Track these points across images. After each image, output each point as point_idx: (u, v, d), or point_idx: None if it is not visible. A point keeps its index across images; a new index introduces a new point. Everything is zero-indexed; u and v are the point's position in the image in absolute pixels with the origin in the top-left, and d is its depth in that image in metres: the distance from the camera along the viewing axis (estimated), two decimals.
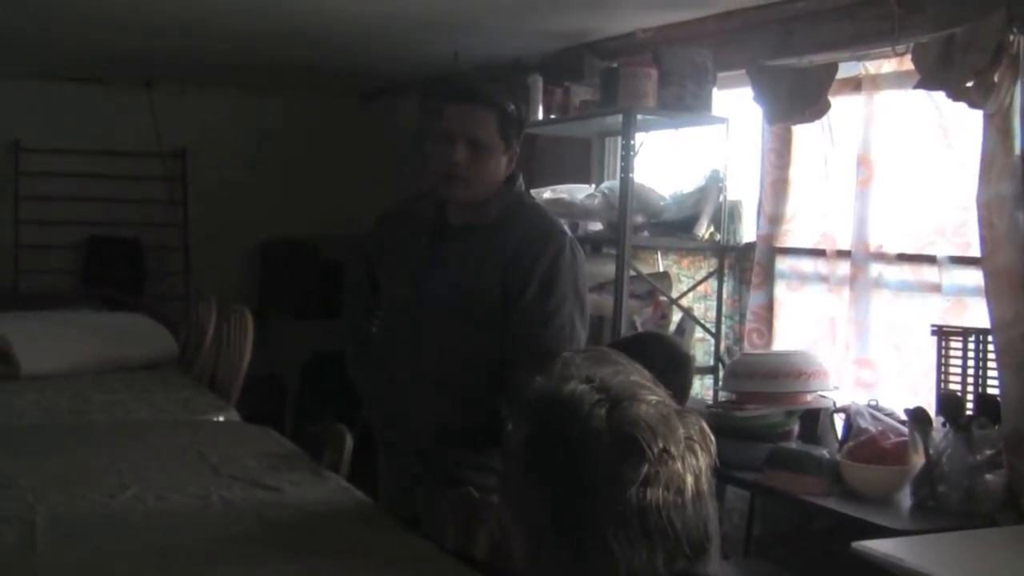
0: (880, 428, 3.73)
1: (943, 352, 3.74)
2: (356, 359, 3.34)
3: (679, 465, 1.38)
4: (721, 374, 4.66)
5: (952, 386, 3.71)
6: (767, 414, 3.96)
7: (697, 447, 1.41)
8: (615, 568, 1.36)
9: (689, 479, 1.39)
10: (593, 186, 5.36)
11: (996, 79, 3.49)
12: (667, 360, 2.77)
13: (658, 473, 1.36)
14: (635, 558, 1.36)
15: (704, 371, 4.92)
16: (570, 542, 1.39)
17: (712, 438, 1.44)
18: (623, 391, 1.41)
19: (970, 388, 3.67)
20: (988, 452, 3.34)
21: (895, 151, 4.23)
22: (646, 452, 1.36)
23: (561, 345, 2.87)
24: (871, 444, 3.63)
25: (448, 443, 3.03)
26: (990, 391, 3.61)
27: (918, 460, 3.48)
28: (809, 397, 4.04)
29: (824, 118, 4.35)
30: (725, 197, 4.82)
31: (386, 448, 3.29)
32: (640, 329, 4.81)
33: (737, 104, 4.88)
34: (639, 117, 4.71)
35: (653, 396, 1.42)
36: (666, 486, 1.37)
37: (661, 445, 1.37)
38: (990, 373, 3.63)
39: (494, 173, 3.00)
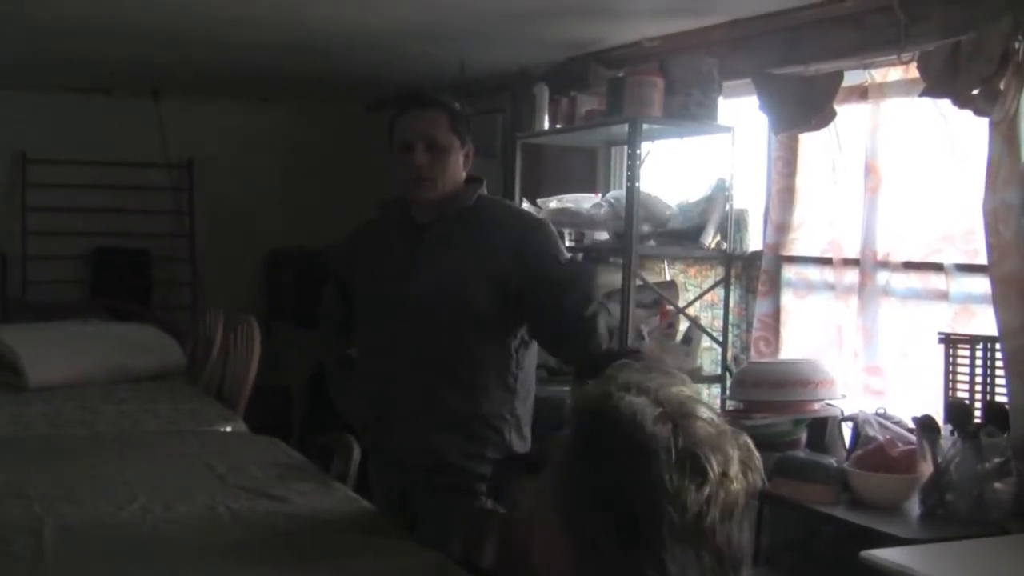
0: (888, 436, 3.72)
1: (951, 360, 3.74)
2: (338, 382, 3.40)
3: (734, 487, 1.40)
4: (728, 383, 4.65)
5: (960, 394, 3.70)
6: (775, 423, 3.96)
7: (748, 470, 1.43)
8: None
9: (740, 502, 1.41)
10: (599, 195, 5.35)
11: (1002, 87, 3.49)
12: None
13: (717, 495, 1.38)
14: (683, 573, 1.37)
15: (711, 380, 4.91)
16: (622, 553, 1.39)
17: (759, 459, 1.45)
18: (680, 407, 1.42)
19: (978, 396, 3.66)
20: (997, 460, 3.33)
21: (902, 159, 4.23)
22: (709, 474, 1.37)
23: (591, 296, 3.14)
24: (879, 452, 3.62)
25: (443, 433, 3.07)
26: (998, 399, 3.61)
27: (926, 468, 3.47)
28: (817, 406, 4.03)
29: (830, 126, 4.34)
30: (731, 206, 4.81)
31: (379, 457, 3.33)
32: (647, 339, 4.80)
33: (743, 113, 4.88)
34: (645, 126, 4.71)
35: (707, 411, 1.44)
36: (722, 508, 1.38)
37: (721, 469, 1.38)
38: (998, 381, 3.62)
39: (455, 170, 3.15)
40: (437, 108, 3.13)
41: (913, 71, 3.94)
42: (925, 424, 3.53)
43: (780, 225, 4.67)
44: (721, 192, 4.82)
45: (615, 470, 1.40)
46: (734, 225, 4.82)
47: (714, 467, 1.38)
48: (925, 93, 3.76)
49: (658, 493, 1.37)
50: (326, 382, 3.51)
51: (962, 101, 3.62)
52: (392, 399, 3.15)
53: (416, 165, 3.07)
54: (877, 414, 3.89)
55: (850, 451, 3.86)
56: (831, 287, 4.48)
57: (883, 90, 4.26)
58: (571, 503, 1.44)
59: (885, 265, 4.21)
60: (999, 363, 3.60)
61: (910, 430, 3.71)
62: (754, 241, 4.88)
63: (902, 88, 4.17)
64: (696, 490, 1.37)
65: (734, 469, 1.40)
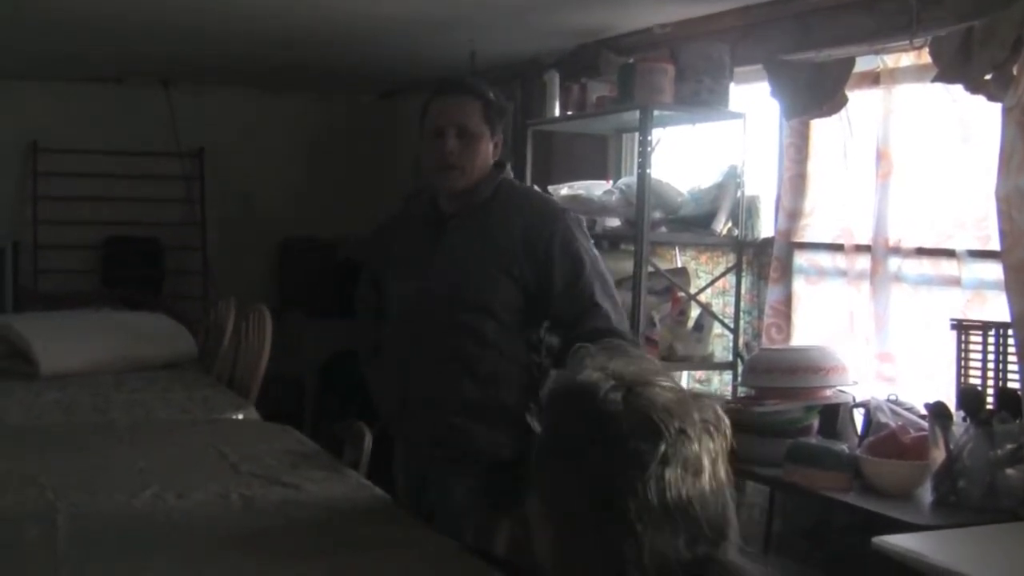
0: (900, 423, 3.72)
1: (963, 346, 3.73)
2: (370, 365, 3.40)
3: (696, 446, 1.41)
4: (740, 370, 4.65)
5: (972, 380, 3.70)
6: (786, 409, 3.95)
7: (713, 429, 1.44)
8: (639, 548, 1.38)
9: (706, 461, 1.42)
10: (610, 182, 5.34)
11: (1015, 72, 3.48)
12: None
13: (676, 452, 1.39)
14: (658, 538, 1.39)
15: (723, 367, 4.91)
16: (596, 525, 1.41)
17: (727, 422, 1.47)
18: (637, 378, 1.45)
19: (990, 382, 3.66)
20: (1009, 446, 3.32)
21: (914, 145, 4.22)
22: (663, 432, 1.39)
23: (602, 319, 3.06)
24: (891, 439, 3.61)
25: (466, 423, 3.07)
26: (1011, 385, 3.60)
27: (938, 455, 3.46)
28: (828, 392, 4.03)
29: (842, 112, 4.33)
30: (743, 192, 4.81)
31: (403, 443, 3.33)
32: (658, 326, 4.80)
33: (754, 99, 4.87)
34: (656, 113, 4.71)
35: (667, 382, 1.47)
36: (683, 466, 1.40)
37: (678, 425, 1.40)
38: (1010, 367, 3.61)
39: (484, 159, 3.13)
40: (471, 95, 3.11)
41: (925, 57, 3.92)
42: (937, 411, 3.52)
43: (792, 212, 4.66)
44: (732, 179, 4.82)
45: (575, 440, 1.44)
46: (746, 212, 4.82)
47: (669, 426, 1.40)
48: (937, 79, 3.75)
49: (615, 457, 1.40)
50: (360, 368, 3.50)
51: (975, 87, 3.61)
52: (412, 390, 3.15)
53: (446, 152, 3.05)
54: (889, 401, 3.88)
55: (862, 438, 3.85)
56: (843, 274, 4.47)
57: (895, 76, 4.24)
58: (547, 482, 1.49)
59: (897, 251, 4.20)
60: (1012, 349, 3.59)
61: (922, 417, 3.70)
62: (766, 228, 4.87)
63: (914, 74, 4.16)
64: (651, 448, 1.39)
65: (695, 429, 1.42)
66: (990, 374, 3.67)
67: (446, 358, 3.08)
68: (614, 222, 5.18)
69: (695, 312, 4.97)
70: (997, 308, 3.73)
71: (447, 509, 3.07)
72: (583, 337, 2.95)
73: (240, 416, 4.38)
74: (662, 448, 1.38)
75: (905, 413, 3.80)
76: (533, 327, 3.13)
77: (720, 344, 5.00)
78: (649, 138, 4.71)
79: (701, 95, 4.68)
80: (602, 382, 1.44)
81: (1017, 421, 3.39)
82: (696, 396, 1.47)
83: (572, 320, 3.06)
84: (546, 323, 3.16)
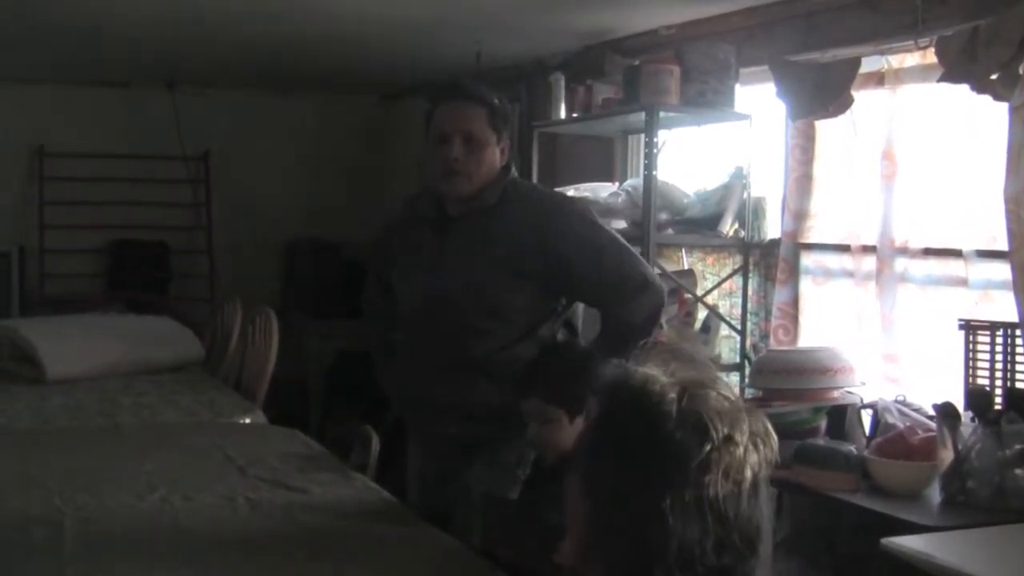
0: (908, 424, 3.71)
1: (971, 346, 3.72)
2: (384, 368, 3.40)
3: (740, 453, 1.43)
4: (747, 371, 4.64)
5: (980, 380, 3.69)
6: (794, 411, 3.95)
7: (760, 443, 1.46)
8: (667, 537, 1.39)
9: (748, 472, 1.44)
10: (616, 184, 5.35)
11: (1021, 71, 3.47)
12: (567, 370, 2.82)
13: (720, 457, 1.41)
14: (687, 532, 1.40)
15: (730, 368, 4.90)
16: (629, 513, 1.43)
17: (775, 439, 1.49)
18: (695, 380, 1.47)
19: (998, 382, 3.65)
20: (1017, 447, 3.31)
21: (919, 145, 4.21)
22: (711, 433, 1.41)
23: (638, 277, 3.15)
24: (899, 440, 3.61)
25: (480, 424, 3.07)
26: (1019, 385, 3.59)
27: (946, 456, 3.45)
28: (836, 393, 4.02)
29: (848, 113, 4.32)
30: (749, 194, 4.80)
31: (417, 443, 3.33)
32: (665, 327, 4.79)
33: (760, 100, 4.86)
34: (662, 114, 4.70)
35: (724, 390, 1.48)
36: (725, 472, 1.41)
37: (726, 431, 1.42)
38: (1018, 367, 3.61)
39: (491, 165, 3.12)
40: (476, 102, 3.10)
41: (930, 57, 3.92)
42: (945, 411, 3.51)
43: (798, 213, 4.66)
44: (739, 180, 4.81)
45: (622, 425, 1.46)
46: (752, 213, 4.81)
47: (718, 428, 1.41)
48: (943, 79, 3.74)
49: (659, 452, 1.42)
50: (374, 368, 3.50)
51: (981, 87, 3.60)
52: (424, 392, 3.15)
53: (452, 158, 3.05)
54: (897, 401, 3.87)
55: (870, 439, 3.85)
56: (849, 274, 4.46)
57: (900, 76, 4.24)
58: (587, 463, 1.50)
59: (904, 252, 4.19)
60: (1020, 349, 3.58)
61: (930, 417, 3.70)
62: (772, 229, 4.87)
63: (919, 74, 4.15)
64: (697, 447, 1.40)
65: (742, 437, 1.43)
66: (998, 374, 3.66)
67: (455, 360, 3.08)
68: (620, 224, 5.16)
69: (702, 314, 4.97)
70: (1005, 308, 3.72)
71: (464, 508, 3.07)
72: (623, 325, 3.01)
73: (247, 420, 4.37)
74: (707, 448, 1.40)
75: (913, 414, 3.80)
76: (548, 324, 3.13)
77: (727, 346, 5.00)
78: (655, 139, 4.70)
79: (707, 96, 4.68)
80: (659, 380, 1.46)
81: None
82: (750, 409, 1.49)
83: (609, 300, 3.10)
84: (559, 320, 3.17)
